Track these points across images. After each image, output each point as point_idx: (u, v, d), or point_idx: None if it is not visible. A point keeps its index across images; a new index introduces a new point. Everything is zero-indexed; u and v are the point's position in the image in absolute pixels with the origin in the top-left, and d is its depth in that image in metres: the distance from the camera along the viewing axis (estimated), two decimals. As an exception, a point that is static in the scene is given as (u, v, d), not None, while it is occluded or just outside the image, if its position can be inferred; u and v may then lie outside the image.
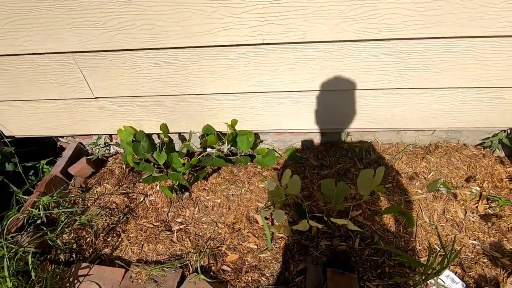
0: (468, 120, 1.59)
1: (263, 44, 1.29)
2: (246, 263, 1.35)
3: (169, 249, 1.43)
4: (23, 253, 1.32)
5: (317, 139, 1.84)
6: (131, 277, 1.29)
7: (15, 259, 1.27)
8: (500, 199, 1.44)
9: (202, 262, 1.36)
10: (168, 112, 1.63)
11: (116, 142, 1.90)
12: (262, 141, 1.85)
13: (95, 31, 1.27)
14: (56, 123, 1.71)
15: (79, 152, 1.90)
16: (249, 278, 1.29)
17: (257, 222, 1.51)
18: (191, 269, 1.35)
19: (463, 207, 1.47)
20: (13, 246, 1.33)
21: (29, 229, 1.47)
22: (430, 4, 1.12)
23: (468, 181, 1.57)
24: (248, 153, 1.76)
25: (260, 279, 1.29)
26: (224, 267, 1.35)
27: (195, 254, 1.39)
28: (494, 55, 1.29)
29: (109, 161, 1.90)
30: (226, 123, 1.63)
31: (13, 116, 1.68)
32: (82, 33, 1.29)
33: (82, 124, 1.71)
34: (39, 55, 1.39)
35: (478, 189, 1.51)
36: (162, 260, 1.39)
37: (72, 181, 1.76)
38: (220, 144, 1.67)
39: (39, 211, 1.49)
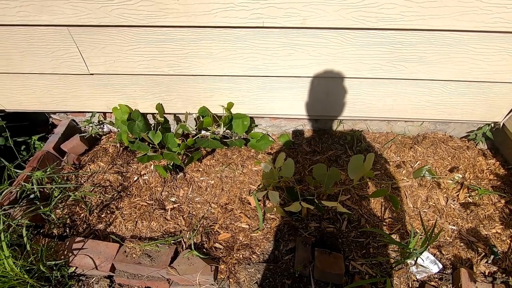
0: (455, 113, 1.65)
1: (263, 27, 1.30)
2: (238, 242, 1.40)
3: (162, 227, 1.46)
4: (17, 226, 1.33)
5: (310, 126, 1.88)
6: (125, 251, 1.33)
7: (8, 232, 1.28)
8: (480, 188, 1.53)
9: (195, 240, 1.40)
10: (164, 92, 1.63)
11: (110, 121, 1.89)
12: (256, 125, 1.88)
13: (93, 5, 1.25)
14: (49, 99, 1.68)
15: (72, 129, 1.88)
16: (241, 256, 1.35)
17: (249, 203, 1.55)
18: (184, 245, 1.39)
19: (445, 195, 1.55)
20: (6, 219, 1.34)
21: (21, 203, 1.47)
22: (428, -4, 1.15)
23: (451, 171, 1.65)
24: (242, 137, 1.78)
25: (251, 257, 1.35)
26: (217, 245, 1.39)
27: (188, 232, 1.43)
28: (484, 50, 1.34)
29: (102, 139, 1.89)
30: (222, 106, 1.64)
31: (3, 89, 1.65)
32: (79, 6, 1.26)
33: (76, 100, 1.69)
34: (32, 26, 1.35)
35: (461, 175, 1.59)
36: (156, 237, 1.43)
37: (65, 157, 1.75)
38: (216, 126, 1.68)
39: (32, 185, 1.49)
